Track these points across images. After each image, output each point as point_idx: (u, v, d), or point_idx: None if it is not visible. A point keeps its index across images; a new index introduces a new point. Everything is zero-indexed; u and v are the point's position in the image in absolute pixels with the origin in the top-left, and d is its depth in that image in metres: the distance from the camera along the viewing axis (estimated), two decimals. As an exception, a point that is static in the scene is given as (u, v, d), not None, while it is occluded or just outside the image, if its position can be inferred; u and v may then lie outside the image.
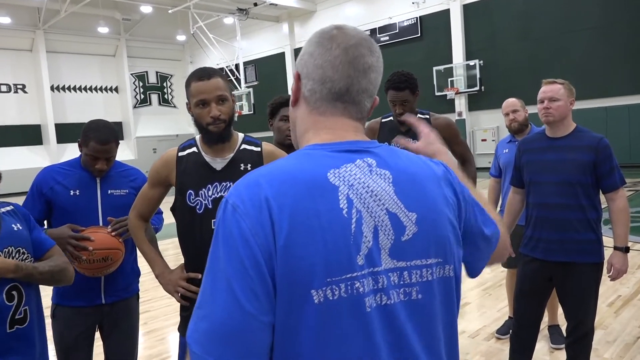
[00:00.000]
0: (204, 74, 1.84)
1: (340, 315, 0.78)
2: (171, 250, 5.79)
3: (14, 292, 1.61)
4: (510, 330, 2.81)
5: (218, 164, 1.89)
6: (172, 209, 1.96)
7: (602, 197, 2.59)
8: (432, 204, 0.89)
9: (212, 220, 1.82)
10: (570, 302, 2.61)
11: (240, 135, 1.98)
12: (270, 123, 2.60)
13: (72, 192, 2.29)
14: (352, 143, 0.89)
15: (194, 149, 1.93)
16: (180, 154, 1.93)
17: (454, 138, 2.95)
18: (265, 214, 0.78)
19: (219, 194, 1.85)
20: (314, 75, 0.91)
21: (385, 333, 0.81)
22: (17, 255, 1.66)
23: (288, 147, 2.36)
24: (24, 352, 1.65)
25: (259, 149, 1.95)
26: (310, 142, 0.91)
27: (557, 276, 2.61)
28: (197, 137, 1.96)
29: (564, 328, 3.00)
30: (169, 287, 1.94)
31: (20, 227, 1.72)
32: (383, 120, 3.08)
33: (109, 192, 2.36)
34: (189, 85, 1.86)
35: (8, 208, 1.75)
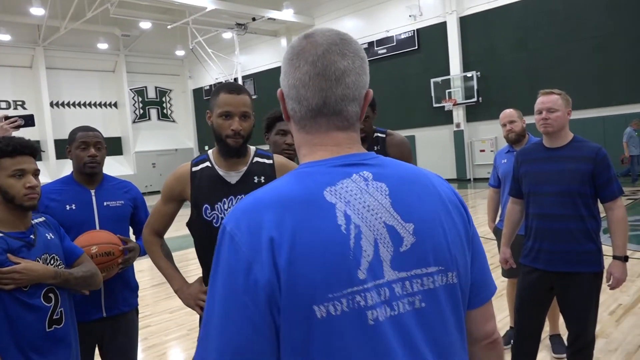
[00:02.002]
0: (234, 88, 1.89)
1: (344, 329, 0.79)
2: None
3: (51, 295, 1.79)
4: (512, 341, 2.80)
5: (232, 177, 1.92)
6: (188, 224, 1.97)
7: (600, 207, 2.60)
8: (429, 213, 0.89)
9: None
10: (571, 311, 2.60)
11: (252, 149, 2.01)
12: (267, 137, 2.61)
13: (67, 207, 2.30)
14: (347, 157, 0.90)
15: (207, 163, 1.95)
16: (194, 169, 1.95)
17: (404, 159, 2.96)
18: (264, 239, 0.79)
19: None
20: (291, 95, 0.91)
21: (394, 344, 0.81)
22: (51, 262, 1.82)
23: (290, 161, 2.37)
24: (62, 352, 1.80)
25: (271, 161, 1.99)
26: (306, 159, 0.92)
27: (558, 286, 2.61)
28: (210, 151, 1.99)
29: (565, 337, 2.99)
30: (190, 301, 1.94)
31: (53, 237, 1.89)
32: None
33: (105, 204, 2.38)
34: (216, 95, 1.89)
35: (41, 219, 1.92)
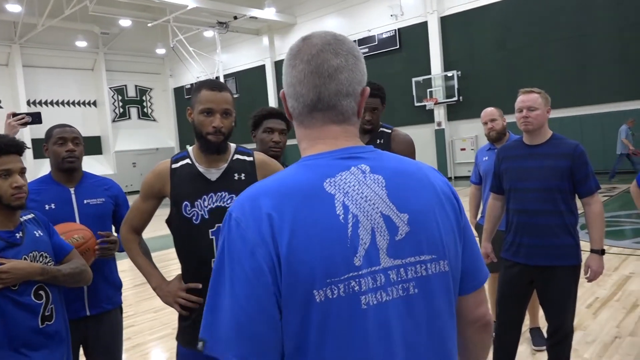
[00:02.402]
0: (216, 85, 1.88)
1: (339, 312, 0.84)
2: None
3: (42, 292, 1.80)
4: (493, 334, 2.86)
5: (212, 174, 1.91)
6: (168, 222, 1.95)
7: (578, 202, 2.67)
8: (423, 204, 0.94)
9: (210, 230, 1.83)
10: (551, 304, 2.67)
11: (233, 146, 2.01)
12: (254, 135, 2.61)
13: (47, 207, 2.27)
14: (346, 150, 0.95)
15: (187, 160, 1.94)
16: (174, 165, 1.94)
17: (407, 155, 2.96)
18: (266, 226, 0.84)
19: (215, 204, 1.87)
20: (289, 93, 0.97)
21: (386, 327, 0.86)
22: (41, 259, 1.83)
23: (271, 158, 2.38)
24: (55, 348, 1.83)
25: (251, 158, 1.99)
26: (306, 153, 0.98)
27: (537, 280, 2.67)
28: (190, 148, 1.98)
29: (544, 330, 3.06)
30: (168, 298, 1.91)
31: (42, 234, 1.90)
32: None
33: (85, 202, 2.36)
34: (198, 92, 1.88)
35: (29, 216, 1.93)
